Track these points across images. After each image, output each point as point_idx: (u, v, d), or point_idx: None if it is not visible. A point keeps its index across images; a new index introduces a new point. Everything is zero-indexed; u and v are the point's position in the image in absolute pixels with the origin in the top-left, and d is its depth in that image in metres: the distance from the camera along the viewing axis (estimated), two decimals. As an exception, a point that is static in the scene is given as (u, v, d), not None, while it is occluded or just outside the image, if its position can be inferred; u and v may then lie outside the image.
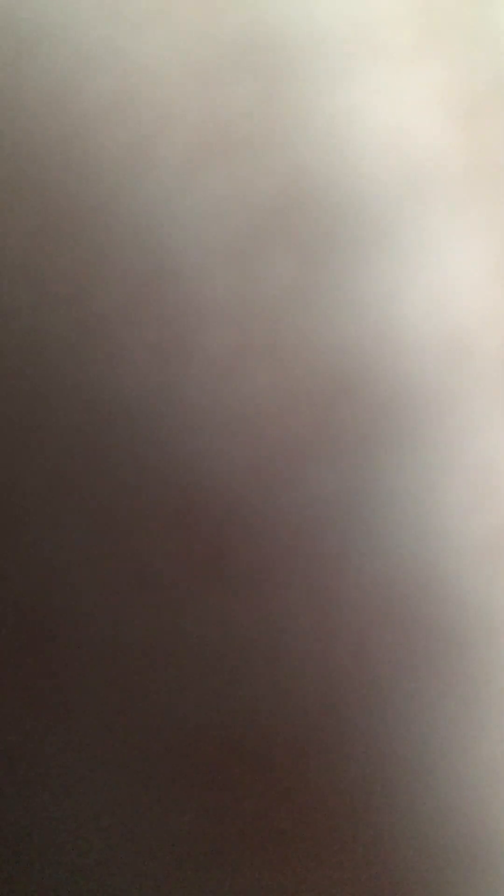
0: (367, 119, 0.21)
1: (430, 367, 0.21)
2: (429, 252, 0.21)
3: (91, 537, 0.20)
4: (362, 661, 0.20)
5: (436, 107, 0.21)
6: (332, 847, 0.20)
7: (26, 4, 0.21)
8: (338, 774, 0.20)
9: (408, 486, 0.20)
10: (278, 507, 0.20)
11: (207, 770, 0.20)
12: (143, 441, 0.20)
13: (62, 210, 0.20)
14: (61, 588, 0.20)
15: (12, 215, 0.20)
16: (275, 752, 0.20)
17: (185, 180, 0.20)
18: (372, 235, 0.21)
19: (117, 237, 0.20)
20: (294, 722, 0.20)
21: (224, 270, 0.20)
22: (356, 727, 0.20)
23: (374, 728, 0.20)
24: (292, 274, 0.20)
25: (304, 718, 0.20)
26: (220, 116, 0.21)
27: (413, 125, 0.21)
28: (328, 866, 0.20)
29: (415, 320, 0.21)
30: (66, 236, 0.20)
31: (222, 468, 0.20)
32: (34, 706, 0.20)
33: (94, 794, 0.21)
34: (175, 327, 0.20)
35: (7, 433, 0.20)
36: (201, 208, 0.20)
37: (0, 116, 0.21)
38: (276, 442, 0.20)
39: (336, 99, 0.21)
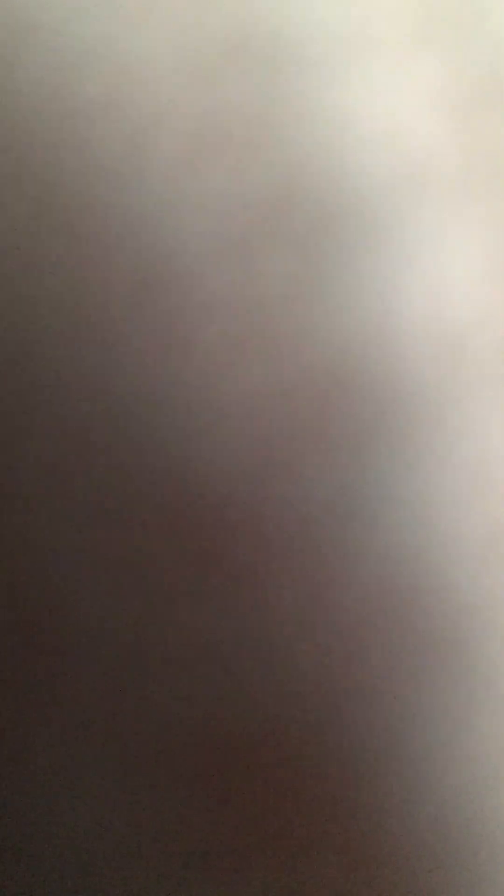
0: (363, 115, 0.21)
1: (426, 364, 0.21)
2: (425, 248, 0.21)
3: (88, 532, 0.20)
4: (360, 655, 0.20)
5: (433, 103, 0.21)
6: (332, 842, 0.20)
7: (24, 3, 0.21)
8: (336, 769, 0.20)
9: (404, 482, 0.20)
10: (275, 502, 0.20)
11: (205, 764, 0.20)
12: (140, 435, 0.20)
13: (59, 205, 0.20)
14: (58, 580, 0.20)
15: (9, 209, 0.20)
16: (273, 748, 0.20)
17: (182, 176, 0.21)
18: (369, 231, 0.21)
19: (114, 232, 0.20)
20: (292, 717, 0.20)
21: (221, 266, 0.20)
22: (354, 722, 0.20)
23: (373, 722, 0.20)
24: (289, 270, 0.20)
25: (303, 713, 0.20)
26: (216, 112, 0.21)
27: (410, 121, 0.21)
28: (327, 861, 0.20)
29: (411, 316, 0.21)
30: (64, 231, 0.20)
31: (219, 463, 0.20)
32: (31, 702, 0.20)
33: (92, 787, 0.21)
34: (172, 322, 0.20)
35: (5, 427, 0.20)
36: (198, 204, 0.20)
37: (-4, 112, 0.21)
38: (273, 437, 0.20)
39: (333, 95, 0.21)
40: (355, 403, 0.20)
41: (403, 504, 0.20)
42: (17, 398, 0.20)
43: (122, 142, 0.21)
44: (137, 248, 0.20)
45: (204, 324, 0.20)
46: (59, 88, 0.21)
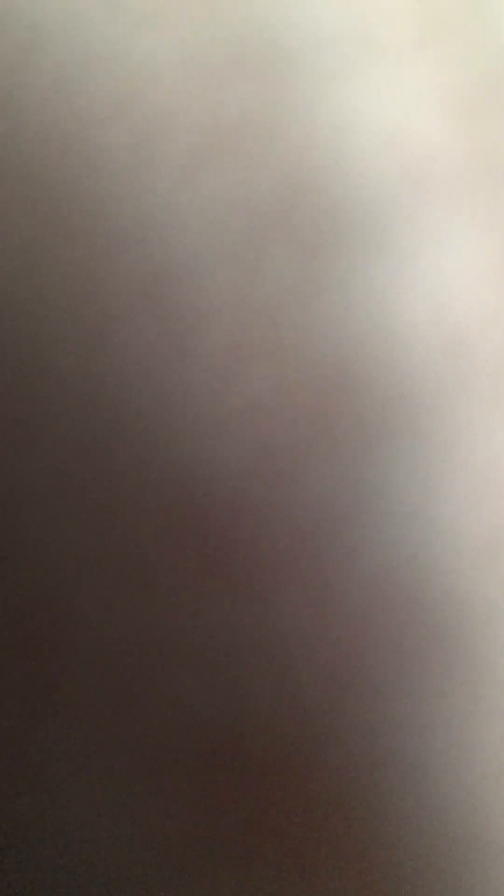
0: (366, 118, 0.21)
1: (429, 365, 0.21)
2: (428, 250, 0.21)
3: (91, 535, 0.20)
4: (362, 656, 0.20)
5: (435, 105, 0.21)
6: (331, 843, 0.20)
7: (28, 5, 0.21)
8: (337, 771, 0.20)
9: (407, 484, 0.20)
10: (278, 503, 0.20)
11: (207, 765, 0.20)
12: (143, 438, 0.20)
13: (63, 209, 0.20)
14: (62, 584, 0.20)
15: (14, 214, 0.20)
16: (274, 748, 0.20)
17: (186, 179, 0.21)
18: (371, 234, 0.21)
19: (118, 236, 0.20)
20: (293, 717, 0.20)
21: (224, 268, 0.20)
22: (356, 723, 0.20)
23: (373, 724, 0.20)
24: (292, 272, 0.20)
25: (304, 714, 0.20)
26: (220, 116, 0.21)
27: (412, 124, 0.21)
28: (326, 862, 0.20)
29: (414, 318, 0.21)
30: (68, 235, 0.20)
31: (222, 465, 0.20)
32: (33, 702, 0.20)
33: (92, 788, 0.21)
34: (175, 325, 0.20)
35: (8, 430, 0.20)
36: (202, 207, 0.20)
37: (2, 116, 0.21)
38: (276, 439, 0.20)
39: (335, 98, 0.21)
40: (359, 405, 0.20)
41: (407, 505, 0.20)
42: (22, 402, 0.20)
43: (126, 146, 0.21)
44: (141, 251, 0.20)
45: (208, 326, 0.20)
46: (63, 93, 0.21)
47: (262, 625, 0.20)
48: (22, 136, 0.21)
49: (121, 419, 0.20)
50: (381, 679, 0.20)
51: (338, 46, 0.21)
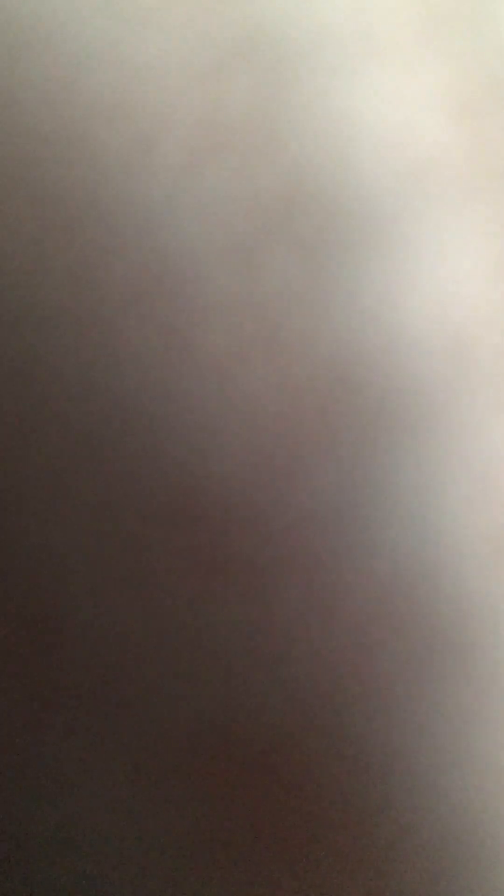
0: (367, 118, 0.21)
1: (431, 364, 0.21)
2: (429, 250, 0.21)
3: (91, 533, 0.20)
4: (363, 656, 0.20)
5: (436, 105, 0.21)
6: (333, 843, 0.20)
7: (26, 4, 0.21)
8: (338, 770, 0.20)
9: (409, 484, 0.20)
10: (279, 503, 0.20)
11: (207, 766, 0.20)
12: (144, 437, 0.20)
13: (63, 209, 0.20)
14: (62, 583, 0.20)
15: (12, 214, 0.20)
16: (275, 748, 0.20)
17: (186, 179, 0.21)
18: (373, 233, 0.21)
19: (118, 236, 0.20)
20: (294, 718, 0.20)
21: (225, 268, 0.20)
22: (357, 723, 0.20)
23: (374, 724, 0.20)
24: (293, 272, 0.20)
25: (305, 714, 0.20)
26: (220, 115, 0.21)
27: (413, 124, 0.21)
28: (328, 862, 0.20)
29: (416, 317, 0.21)
30: (67, 235, 0.20)
31: (223, 465, 0.20)
32: (34, 702, 0.20)
33: (93, 789, 0.21)
34: (176, 324, 0.20)
35: (7, 429, 0.20)
36: (202, 207, 0.20)
37: (0, 115, 0.21)
38: (278, 439, 0.20)
39: (336, 98, 0.21)
40: (360, 404, 0.20)
41: (408, 504, 0.20)
42: (20, 401, 0.20)
43: (126, 145, 0.21)
44: (142, 250, 0.20)
45: (208, 326, 0.20)
46: (63, 91, 0.21)
47: (262, 624, 0.20)
48: (21, 134, 0.21)
49: (121, 418, 0.20)
50: (382, 679, 0.20)
51: (339, 45, 0.21)
